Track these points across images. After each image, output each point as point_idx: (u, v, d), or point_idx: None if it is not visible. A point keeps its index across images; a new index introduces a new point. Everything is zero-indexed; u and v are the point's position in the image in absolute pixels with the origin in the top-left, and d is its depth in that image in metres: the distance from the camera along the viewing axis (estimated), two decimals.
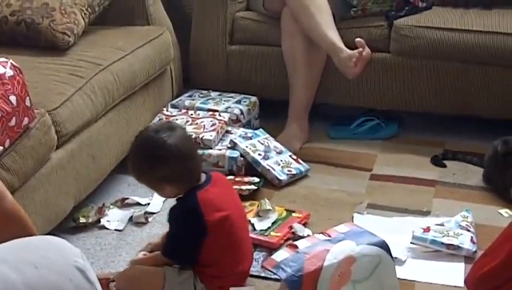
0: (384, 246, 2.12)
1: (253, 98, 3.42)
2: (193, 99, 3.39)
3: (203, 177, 2.26)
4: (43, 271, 1.41)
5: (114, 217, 2.72)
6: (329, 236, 2.12)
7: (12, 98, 2.23)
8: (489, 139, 3.05)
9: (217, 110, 3.27)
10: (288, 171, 3.01)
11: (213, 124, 3.13)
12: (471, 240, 2.52)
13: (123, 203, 2.83)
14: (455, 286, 2.35)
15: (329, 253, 2.04)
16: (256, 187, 2.87)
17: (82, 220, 2.67)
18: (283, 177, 2.97)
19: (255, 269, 2.42)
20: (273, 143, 3.16)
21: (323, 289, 2.01)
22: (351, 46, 3.15)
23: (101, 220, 2.71)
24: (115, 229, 2.67)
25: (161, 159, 2.18)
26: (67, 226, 2.66)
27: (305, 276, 1.99)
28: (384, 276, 2.12)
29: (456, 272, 2.42)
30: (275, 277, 2.20)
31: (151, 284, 2.25)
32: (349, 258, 2.06)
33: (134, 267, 2.31)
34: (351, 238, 2.11)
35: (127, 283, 2.27)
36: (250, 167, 3.02)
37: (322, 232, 2.16)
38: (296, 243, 2.10)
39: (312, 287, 2.00)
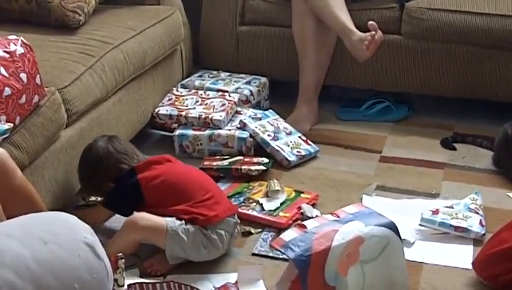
0: (392, 227, 2.12)
1: (263, 79, 3.42)
2: (203, 80, 3.39)
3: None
4: (52, 247, 1.42)
5: None
6: (338, 217, 2.12)
7: (23, 76, 2.23)
8: (500, 122, 3.04)
9: (226, 91, 3.26)
10: (298, 152, 3.01)
11: (223, 105, 3.13)
12: (480, 222, 2.52)
13: None
14: (463, 268, 2.34)
15: (337, 233, 2.04)
16: (265, 168, 2.87)
17: (92, 198, 2.67)
18: (292, 158, 2.97)
19: (263, 248, 2.43)
20: (282, 124, 3.15)
21: (332, 269, 2.02)
22: (362, 28, 3.13)
23: None
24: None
25: (98, 160, 2.45)
26: (76, 204, 2.66)
27: (314, 256, 1.99)
28: (393, 257, 2.12)
29: (464, 255, 2.41)
30: (283, 256, 2.20)
31: (154, 233, 2.31)
32: (358, 239, 2.06)
33: (138, 216, 2.35)
34: (359, 219, 2.11)
35: (131, 232, 2.32)
36: (260, 148, 3.02)
37: (330, 213, 2.16)
38: (304, 223, 2.10)
39: (320, 267, 2.00)
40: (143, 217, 2.33)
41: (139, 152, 2.52)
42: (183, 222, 2.30)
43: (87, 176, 2.50)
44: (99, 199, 2.68)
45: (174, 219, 2.31)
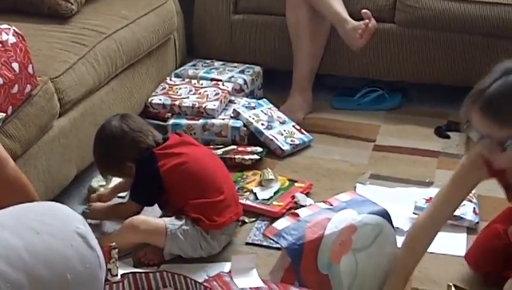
0: (385, 215, 2.13)
1: (257, 68, 3.41)
2: (196, 69, 3.38)
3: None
4: (44, 237, 1.41)
5: None
6: (331, 205, 2.13)
7: (15, 65, 2.23)
8: None
9: (220, 80, 3.26)
10: (291, 141, 3.01)
11: (216, 94, 3.12)
12: (474, 211, 2.52)
13: None
14: (457, 256, 2.35)
15: (330, 222, 2.04)
16: (259, 157, 2.87)
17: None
18: (286, 147, 2.97)
19: (256, 237, 2.43)
20: (276, 113, 3.15)
21: (324, 258, 2.02)
22: (356, 16, 3.12)
23: None
24: (118, 196, 2.67)
25: (112, 139, 2.40)
26: (76, 194, 2.68)
27: (306, 244, 1.99)
28: (385, 245, 2.13)
29: (458, 243, 2.42)
30: (277, 245, 2.21)
31: (153, 235, 2.30)
32: (351, 227, 2.06)
33: (137, 219, 2.34)
34: (352, 207, 2.11)
35: (130, 235, 2.31)
36: (253, 137, 3.02)
37: (323, 201, 2.16)
38: (297, 211, 2.10)
39: (313, 255, 2.00)
40: (143, 221, 2.32)
41: (153, 129, 2.47)
42: (184, 221, 2.29)
43: (102, 156, 2.46)
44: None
45: (173, 218, 2.30)
